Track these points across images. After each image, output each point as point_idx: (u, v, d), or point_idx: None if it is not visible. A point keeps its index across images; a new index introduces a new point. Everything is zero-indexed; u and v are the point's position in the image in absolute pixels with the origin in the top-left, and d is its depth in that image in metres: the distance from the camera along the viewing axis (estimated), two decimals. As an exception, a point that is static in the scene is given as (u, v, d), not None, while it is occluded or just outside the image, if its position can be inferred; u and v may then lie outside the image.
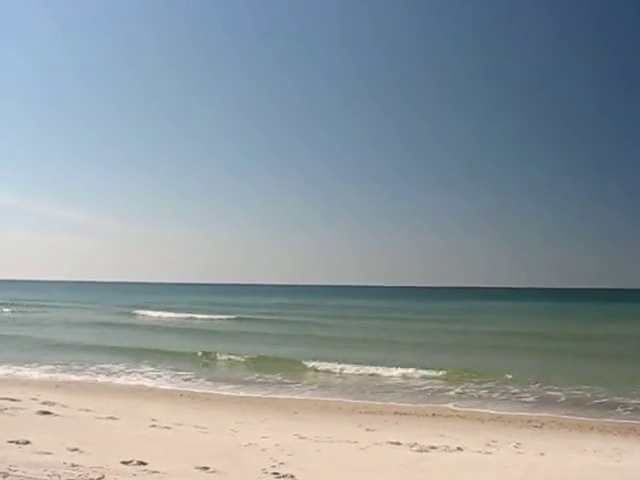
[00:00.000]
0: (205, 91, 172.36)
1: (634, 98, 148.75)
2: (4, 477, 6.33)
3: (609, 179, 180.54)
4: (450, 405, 15.55)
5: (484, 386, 17.82)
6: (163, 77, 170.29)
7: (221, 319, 47.05)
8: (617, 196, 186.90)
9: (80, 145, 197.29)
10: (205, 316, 49.59)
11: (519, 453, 9.93)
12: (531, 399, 16.27)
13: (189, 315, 50.42)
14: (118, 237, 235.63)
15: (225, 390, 17.32)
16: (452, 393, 17.10)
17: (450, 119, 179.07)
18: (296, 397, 16.48)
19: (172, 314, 51.52)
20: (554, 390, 17.13)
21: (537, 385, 17.81)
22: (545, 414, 14.42)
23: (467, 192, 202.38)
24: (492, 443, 10.60)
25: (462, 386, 17.86)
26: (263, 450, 8.78)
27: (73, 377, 19.16)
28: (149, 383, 18.35)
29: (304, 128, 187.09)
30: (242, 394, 16.76)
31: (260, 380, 18.90)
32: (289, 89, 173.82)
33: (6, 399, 12.39)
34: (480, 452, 9.72)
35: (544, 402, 15.93)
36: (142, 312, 53.09)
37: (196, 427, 10.89)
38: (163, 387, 17.70)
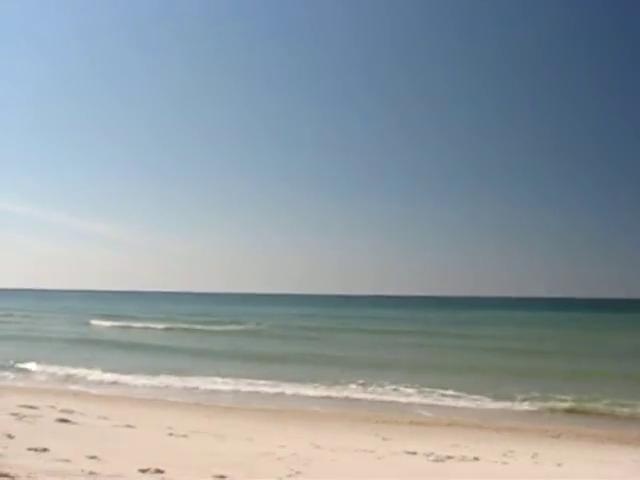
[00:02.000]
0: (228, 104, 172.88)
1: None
2: (23, 484, 6.39)
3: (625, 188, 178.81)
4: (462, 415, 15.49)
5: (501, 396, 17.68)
6: (186, 88, 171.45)
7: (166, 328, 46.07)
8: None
9: (100, 156, 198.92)
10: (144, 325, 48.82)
11: (536, 464, 9.87)
12: (549, 410, 16.14)
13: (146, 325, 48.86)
14: (138, 248, 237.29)
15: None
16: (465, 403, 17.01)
17: (463, 123, 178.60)
18: (313, 407, 16.46)
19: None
20: (564, 400, 16.94)
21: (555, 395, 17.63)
22: (562, 425, 14.33)
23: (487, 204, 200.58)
24: (509, 453, 10.55)
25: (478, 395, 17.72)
26: (279, 459, 8.80)
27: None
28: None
29: (319, 137, 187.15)
30: (258, 404, 16.75)
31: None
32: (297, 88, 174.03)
33: (25, 406, 12.50)
34: (497, 462, 9.67)
35: (560, 413, 15.83)
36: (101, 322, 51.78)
37: (213, 435, 10.92)
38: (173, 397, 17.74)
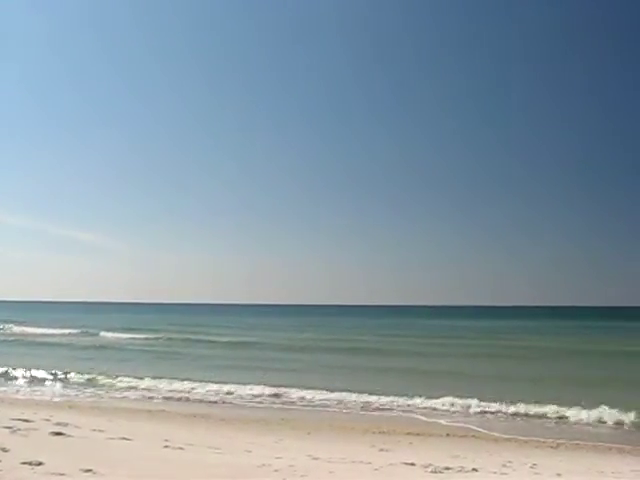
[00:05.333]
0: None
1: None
2: (17, 499, 6.31)
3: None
4: (467, 425, 15.42)
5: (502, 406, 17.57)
6: (171, 99, 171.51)
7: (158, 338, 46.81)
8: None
9: (83, 164, 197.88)
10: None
11: (535, 474, 9.79)
12: (549, 420, 16.06)
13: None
14: (128, 259, 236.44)
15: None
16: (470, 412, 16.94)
17: (449, 135, 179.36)
18: (310, 417, 16.39)
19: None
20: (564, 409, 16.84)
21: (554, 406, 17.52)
22: (562, 435, 14.27)
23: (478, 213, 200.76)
24: (508, 464, 10.47)
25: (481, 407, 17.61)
26: (276, 471, 8.71)
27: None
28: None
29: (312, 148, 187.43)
30: (257, 414, 16.66)
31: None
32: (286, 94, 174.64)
33: (19, 420, 12.38)
34: (496, 473, 9.59)
35: (560, 423, 15.76)
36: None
37: (209, 447, 10.82)
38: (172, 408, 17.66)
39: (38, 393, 20.02)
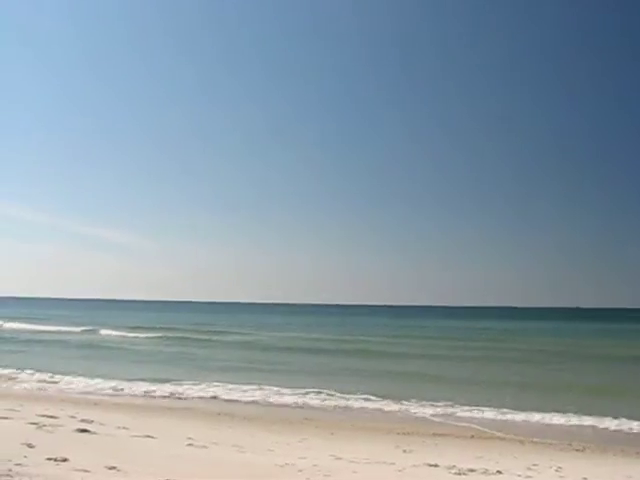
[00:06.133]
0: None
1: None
2: (42, 495, 6.37)
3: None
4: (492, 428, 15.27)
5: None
6: (194, 92, 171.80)
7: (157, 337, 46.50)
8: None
9: (106, 160, 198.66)
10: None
11: (560, 478, 9.68)
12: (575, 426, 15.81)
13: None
14: (149, 255, 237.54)
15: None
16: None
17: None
18: (334, 417, 16.36)
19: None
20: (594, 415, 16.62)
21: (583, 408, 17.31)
22: (588, 439, 14.08)
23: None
24: (533, 467, 10.36)
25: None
26: (300, 471, 8.71)
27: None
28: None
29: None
30: (281, 414, 16.65)
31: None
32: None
33: (45, 416, 12.52)
34: (520, 476, 9.49)
35: (587, 427, 15.53)
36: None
37: (233, 446, 10.85)
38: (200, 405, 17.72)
39: (65, 389, 20.20)
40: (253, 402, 18.47)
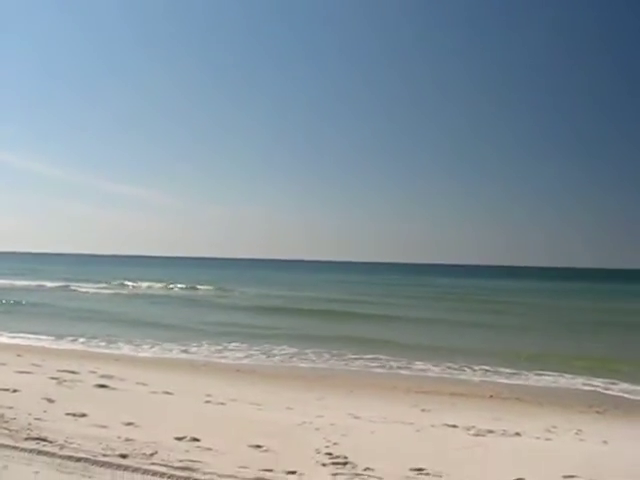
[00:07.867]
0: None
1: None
2: (60, 449, 6.40)
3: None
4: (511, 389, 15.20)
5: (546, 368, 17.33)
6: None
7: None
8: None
9: (135, 120, 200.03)
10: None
11: (580, 440, 9.58)
12: (596, 387, 15.71)
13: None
14: (177, 213, 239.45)
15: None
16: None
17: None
18: (352, 376, 16.37)
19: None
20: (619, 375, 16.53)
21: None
22: (608, 401, 13.97)
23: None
24: (552, 429, 10.26)
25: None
26: (317, 429, 8.70)
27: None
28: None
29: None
30: (300, 372, 16.70)
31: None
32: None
33: (65, 371, 12.65)
34: (539, 438, 9.41)
35: (608, 390, 15.42)
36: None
37: (251, 404, 10.87)
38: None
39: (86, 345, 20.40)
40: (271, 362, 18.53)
